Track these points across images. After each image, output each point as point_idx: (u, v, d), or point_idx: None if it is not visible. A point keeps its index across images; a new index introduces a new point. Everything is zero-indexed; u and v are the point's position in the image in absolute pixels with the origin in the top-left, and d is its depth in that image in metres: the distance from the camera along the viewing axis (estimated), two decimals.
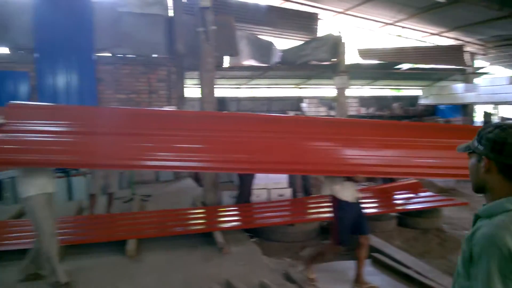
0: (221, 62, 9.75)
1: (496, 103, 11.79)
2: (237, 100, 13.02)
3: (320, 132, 4.36)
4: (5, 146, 3.65)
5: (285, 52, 10.99)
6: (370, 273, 4.24)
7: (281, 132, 4.24)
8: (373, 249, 4.71)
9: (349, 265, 4.38)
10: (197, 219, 5.69)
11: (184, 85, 9.55)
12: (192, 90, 11.13)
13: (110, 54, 8.77)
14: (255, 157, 4.12)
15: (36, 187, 3.60)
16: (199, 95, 7.15)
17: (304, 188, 7.21)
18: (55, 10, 8.17)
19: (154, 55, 9.03)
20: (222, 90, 12.63)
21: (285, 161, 4.18)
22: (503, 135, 1.31)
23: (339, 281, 4.08)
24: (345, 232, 3.82)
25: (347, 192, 3.84)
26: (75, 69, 8.36)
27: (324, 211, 5.81)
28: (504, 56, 12.91)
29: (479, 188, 1.41)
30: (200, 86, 6.97)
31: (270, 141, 4.14)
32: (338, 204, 3.84)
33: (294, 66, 10.87)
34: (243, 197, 6.26)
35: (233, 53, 9.73)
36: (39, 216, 3.59)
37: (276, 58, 10.82)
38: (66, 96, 8.28)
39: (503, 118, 12.26)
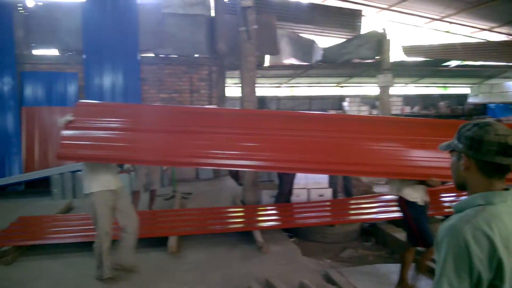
0: (262, 61, 9.77)
1: None
2: (277, 99, 13.00)
3: (388, 132, 4.11)
4: (72, 142, 3.84)
5: (327, 50, 10.83)
6: (413, 277, 4.07)
7: (347, 131, 4.07)
8: (418, 252, 4.52)
9: (392, 269, 4.23)
10: (237, 217, 5.70)
11: (225, 85, 9.65)
12: (232, 89, 11.23)
13: (153, 55, 9.03)
14: (321, 158, 3.95)
15: (100, 183, 3.72)
16: (240, 94, 7.21)
17: (345, 188, 7.06)
18: (102, 12, 8.55)
19: (196, 55, 9.20)
20: (262, 89, 12.65)
21: (353, 162, 3.98)
22: (481, 132, 1.34)
23: (382, 285, 3.94)
24: (428, 230, 3.64)
25: (416, 194, 3.67)
26: (121, 70, 8.70)
27: (365, 213, 5.70)
28: None
29: (460, 185, 1.45)
30: (240, 85, 7.01)
31: (336, 141, 4.00)
32: (407, 205, 3.68)
33: (336, 64, 10.68)
34: (283, 196, 6.22)
35: (274, 52, 9.72)
36: (98, 212, 3.71)
37: (317, 57, 10.69)
38: (112, 95, 8.63)
39: None
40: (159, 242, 4.73)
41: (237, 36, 6.96)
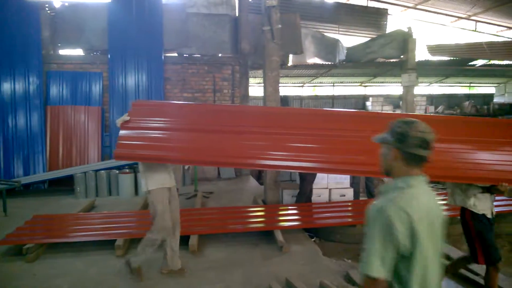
0: (286, 60, 9.79)
1: None
2: (300, 98, 12.99)
3: (450, 133, 3.74)
4: (128, 142, 3.89)
5: (351, 49, 10.75)
6: None
7: None
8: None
9: None
10: (258, 217, 5.74)
11: (248, 84, 9.71)
12: (255, 88, 11.28)
13: (177, 54, 9.17)
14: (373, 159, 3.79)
15: (157, 181, 3.81)
16: (262, 94, 7.24)
17: (367, 188, 7.03)
18: (127, 13, 8.72)
19: (219, 55, 9.29)
20: (285, 89, 12.66)
21: None
22: (407, 128, 1.64)
23: None
24: (494, 245, 3.30)
25: (484, 205, 3.32)
26: (145, 69, 8.85)
27: None
28: None
29: (387, 172, 1.74)
30: (263, 84, 7.04)
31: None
32: (473, 218, 3.31)
33: (360, 63, 10.59)
34: (304, 196, 6.24)
35: (298, 51, 9.72)
36: (158, 208, 3.80)
37: (341, 56, 10.62)
38: (135, 95, 8.79)
39: None
40: (181, 241, 4.78)
41: (260, 35, 7.00)
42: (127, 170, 7.55)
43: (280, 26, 6.88)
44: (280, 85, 6.89)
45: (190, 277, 4.05)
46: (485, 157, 3.54)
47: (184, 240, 4.76)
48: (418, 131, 1.63)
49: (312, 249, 4.84)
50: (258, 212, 5.92)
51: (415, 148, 1.63)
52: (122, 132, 3.90)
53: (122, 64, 8.77)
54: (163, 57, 8.92)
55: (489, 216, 3.30)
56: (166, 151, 3.85)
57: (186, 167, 6.62)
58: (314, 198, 6.36)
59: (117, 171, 7.56)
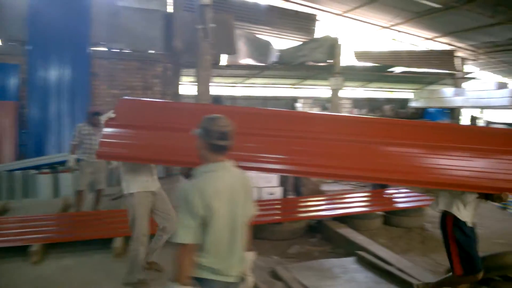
0: (218, 60, 9.82)
1: (482, 107, 11.97)
2: (233, 98, 13.09)
3: (453, 141, 3.54)
4: (112, 140, 3.61)
5: (283, 52, 11.08)
6: (355, 270, 4.35)
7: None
8: (358, 246, 4.83)
9: (335, 263, 4.50)
10: None
11: (180, 82, 9.59)
12: (188, 87, 11.16)
13: (106, 49, 8.80)
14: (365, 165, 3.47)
15: (139, 184, 3.66)
16: (195, 93, 7.22)
17: (295, 187, 7.30)
18: (50, 1, 8.15)
19: (150, 51, 9.07)
20: (218, 88, 12.69)
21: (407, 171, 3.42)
22: (210, 123, 2.04)
23: (326, 279, 4.17)
24: (475, 254, 3.19)
25: (468, 212, 3.21)
26: (69, 63, 8.35)
27: (313, 210, 5.95)
28: (493, 62, 13.13)
29: (200, 160, 2.11)
30: (196, 83, 7.03)
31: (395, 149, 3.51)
32: (455, 224, 3.20)
33: (291, 66, 10.95)
34: None
35: (231, 51, 9.80)
36: (137, 213, 3.64)
37: (273, 58, 10.90)
38: (58, 89, 8.26)
39: (488, 122, 12.46)
40: (105, 245, 4.59)
41: (194, 33, 6.97)
42: (47, 170, 7.07)
43: (213, 25, 6.92)
44: (213, 84, 6.93)
45: (115, 283, 3.89)
46: (487, 165, 3.34)
47: (108, 244, 4.59)
48: (218, 126, 2.03)
49: None
50: None
51: (216, 140, 2.02)
52: (106, 130, 3.65)
53: (44, 57, 8.18)
54: (90, 51, 8.49)
55: (469, 224, 3.21)
56: (152, 152, 3.61)
57: (111, 165, 6.26)
58: None
59: (36, 171, 7.06)
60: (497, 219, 6.68)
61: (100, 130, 5.59)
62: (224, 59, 10.40)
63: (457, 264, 3.19)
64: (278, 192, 6.79)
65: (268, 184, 6.74)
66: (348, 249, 4.93)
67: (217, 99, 8.47)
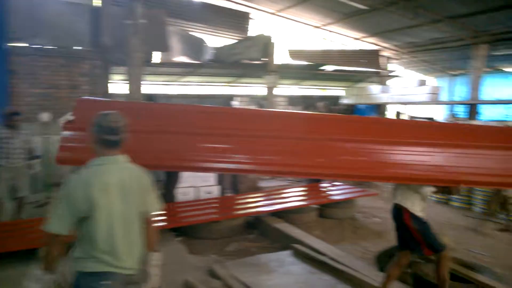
0: (150, 57, 9.51)
1: (405, 103, 12.85)
2: (168, 97, 12.78)
3: (408, 136, 3.59)
4: (72, 145, 3.33)
5: (218, 50, 11.02)
6: (291, 263, 4.46)
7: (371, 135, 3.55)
8: (294, 240, 4.95)
9: (272, 257, 4.57)
10: None
11: (110, 81, 9.15)
12: (118, 86, 10.70)
13: (26, 44, 8.14)
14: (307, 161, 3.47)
15: None
16: (127, 91, 6.94)
17: (232, 185, 7.32)
18: None
19: (76, 47, 8.54)
20: (152, 87, 12.34)
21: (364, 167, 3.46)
22: (101, 119, 2.12)
23: (262, 273, 4.22)
24: (436, 239, 3.39)
25: (420, 206, 3.41)
26: None
27: (250, 207, 5.99)
28: (415, 61, 14.16)
29: (93, 154, 2.16)
30: (127, 82, 6.76)
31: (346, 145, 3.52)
32: (412, 218, 3.38)
33: (226, 64, 10.93)
34: (170, 195, 6.20)
35: (164, 48, 9.54)
36: None
37: (207, 56, 10.81)
38: None
39: (411, 117, 13.45)
40: (29, 256, 4.29)
41: (124, 29, 6.69)
42: None
43: (144, 21, 6.70)
44: (146, 82, 6.71)
45: None
46: (442, 158, 3.45)
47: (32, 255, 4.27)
48: (109, 121, 2.10)
49: (178, 248, 4.86)
50: None
51: (106, 134, 2.09)
52: (65, 133, 3.38)
53: None
54: (7, 47, 7.80)
55: (422, 217, 3.39)
56: None
57: (33, 170, 5.82)
58: (180, 197, 6.37)
59: None
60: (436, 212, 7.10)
61: (19, 132, 5.17)
62: (157, 57, 10.11)
63: (425, 249, 3.39)
64: (215, 191, 6.78)
65: (205, 183, 6.70)
66: (285, 243, 5.04)
67: (151, 97, 8.22)
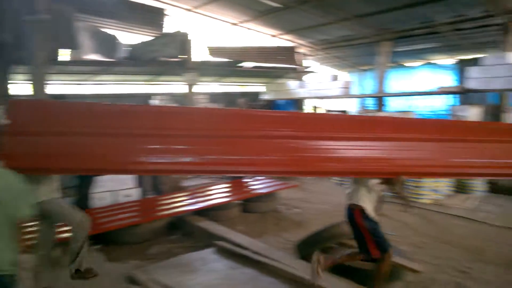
0: (56, 55, 8.84)
1: (321, 98, 13.52)
2: (81, 97, 12.02)
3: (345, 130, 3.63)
4: (12, 151, 3.00)
5: (134, 47, 10.59)
6: (213, 260, 4.49)
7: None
8: (217, 237, 4.98)
9: (194, 256, 4.56)
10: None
11: (10, 81, 8.33)
12: (20, 86, 9.80)
13: None
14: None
15: (45, 193, 3.41)
16: (30, 92, 6.38)
17: (154, 186, 7.13)
18: None
19: None
20: (61, 87, 11.50)
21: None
22: None
23: (185, 273, 4.18)
24: (384, 236, 3.50)
25: (372, 206, 3.51)
26: None
27: (173, 207, 5.90)
28: (328, 57, 14.93)
29: None
30: (31, 82, 6.24)
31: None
32: (363, 216, 3.46)
33: (142, 61, 10.56)
34: (84, 201, 5.85)
35: (72, 46, 8.92)
36: (60, 210, 3.52)
37: (121, 53, 10.34)
38: None
39: (327, 110, 14.22)
40: None
41: (25, 25, 6.14)
42: None
43: (48, 16, 6.21)
44: (52, 82, 6.24)
45: None
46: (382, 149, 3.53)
47: None
48: None
49: (95, 257, 4.62)
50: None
51: None
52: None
53: None
54: None
55: (373, 217, 3.49)
56: (59, 160, 3.18)
57: None
58: (96, 203, 6.06)
59: None
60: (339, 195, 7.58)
61: None
62: (66, 55, 9.44)
63: (373, 249, 3.44)
64: (135, 194, 6.55)
65: (123, 186, 6.44)
66: (209, 241, 5.05)
67: (61, 98, 7.66)
